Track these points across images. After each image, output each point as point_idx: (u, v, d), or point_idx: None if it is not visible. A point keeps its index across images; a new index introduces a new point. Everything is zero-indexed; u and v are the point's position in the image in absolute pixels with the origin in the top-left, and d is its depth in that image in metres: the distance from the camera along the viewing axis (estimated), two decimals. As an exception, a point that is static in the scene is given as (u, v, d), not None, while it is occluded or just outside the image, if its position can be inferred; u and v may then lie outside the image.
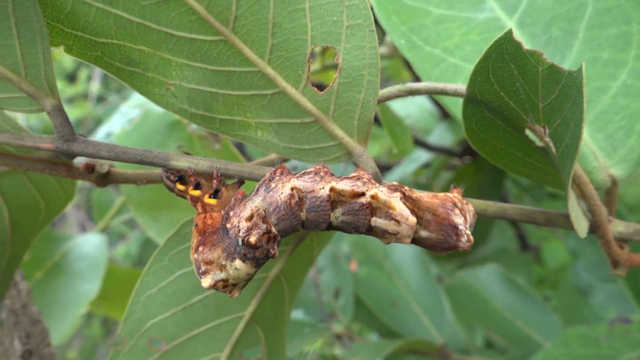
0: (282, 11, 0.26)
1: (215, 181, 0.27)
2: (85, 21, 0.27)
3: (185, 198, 0.29)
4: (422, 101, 0.87)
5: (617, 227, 0.34)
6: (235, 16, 0.26)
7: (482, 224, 0.87)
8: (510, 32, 0.28)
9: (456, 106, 0.39)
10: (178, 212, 0.55)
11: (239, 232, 0.24)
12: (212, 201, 0.27)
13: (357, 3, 0.26)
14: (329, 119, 0.29)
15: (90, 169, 0.31)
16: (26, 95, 0.28)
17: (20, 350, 0.41)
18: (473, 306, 0.70)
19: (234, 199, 0.25)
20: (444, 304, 0.67)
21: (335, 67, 0.28)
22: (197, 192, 0.28)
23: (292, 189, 0.25)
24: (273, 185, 0.25)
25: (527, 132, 0.32)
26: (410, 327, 0.67)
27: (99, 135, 0.66)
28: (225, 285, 0.24)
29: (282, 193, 0.25)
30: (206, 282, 0.24)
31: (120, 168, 0.34)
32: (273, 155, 0.33)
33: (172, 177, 0.29)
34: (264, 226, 0.24)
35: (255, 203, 0.24)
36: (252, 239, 0.23)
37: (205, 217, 0.26)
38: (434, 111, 0.88)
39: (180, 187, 0.29)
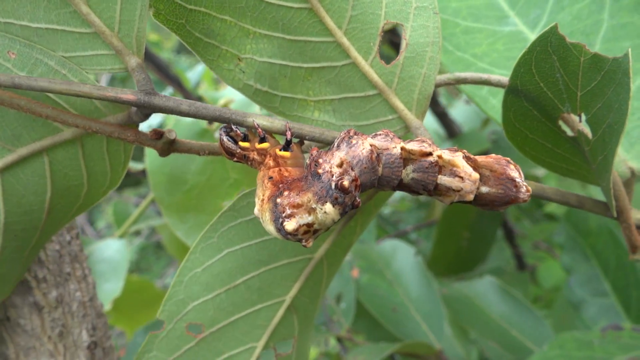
0: (363, -15, 0.28)
1: (288, 132, 0.29)
2: None
3: (245, 159, 0.30)
4: (429, 120, 0.91)
5: (636, 214, 0.37)
6: None
7: (482, 244, 0.90)
8: (555, 27, 0.31)
9: (487, 104, 0.43)
10: (204, 215, 0.57)
11: (332, 177, 0.25)
12: (286, 153, 0.28)
13: (425, -13, 0.29)
14: (391, 92, 0.31)
15: (158, 135, 0.32)
16: (113, 52, 0.29)
17: (87, 341, 0.42)
18: (470, 316, 0.72)
19: (316, 150, 0.27)
20: (442, 311, 0.69)
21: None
22: (265, 145, 0.29)
23: (371, 145, 0.27)
24: (354, 141, 0.27)
25: (560, 123, 0.35)
26: (410, 332, 0.68)
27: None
28: (306, 231, 0.26)
29: (364, 148, 0.27)
30: (290, 225, 0.25)
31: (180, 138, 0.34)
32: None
33: (238, 134, 0.30)
34: (352, 173, 0.26)
35: (342, 154, 0.26)
36: (345, 183, 0.25)
37: (280, 170, 0.28)
38: (440, 131, 0.92)
39: (244, 144, 0.29)
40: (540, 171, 0.78)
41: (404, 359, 0.77)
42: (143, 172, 0.78)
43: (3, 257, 0.34)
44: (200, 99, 0.92)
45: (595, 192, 0.77)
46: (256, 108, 0.62)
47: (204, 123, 0.68)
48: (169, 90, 1.08)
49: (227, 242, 0.34)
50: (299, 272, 0.36)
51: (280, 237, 0.26)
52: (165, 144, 0.32)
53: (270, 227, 0.26)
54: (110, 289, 0.66)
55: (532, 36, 0.45)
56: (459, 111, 0.99)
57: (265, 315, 0.36)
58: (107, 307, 0.62)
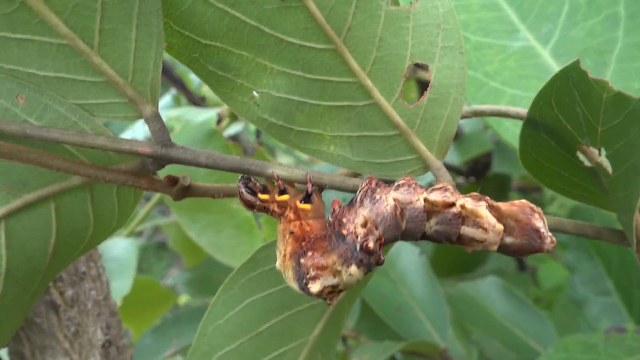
0: (389, 27, 0.28)
1: (309, 185, 0.28)
2: (198, 21, 0.28)
3: (266, 210, 0.29)
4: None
5: (651, 242, 0.37)
6: (349, 27, 0.28)
7: None
8: (577, 62, 0.30)
9: (500, 126, 0.42)
10: (215, 214, 0.57)
11: (357, 238, 0.25)
12: (307, 206, 0.28)
13: (451, 27, 0.29)
14: (413, 133, 0.30)
15: (173, 181, 0.31)
16: (126, 101, 0.28)
17: (102, 340, 0.43)
18: (473, 315, 0.73)
19: (339, 207, 0.27)
20: (446, 311, 0.70)
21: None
22: (285, 197, 0.28)
23: (394, 200, 0.26)
24: (377, 196, 0.26)
25: (578, 154, 0.35)
26: (414, 331, 0.69)
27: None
28: (330, 292, 0.25)
29: (388, 205, 0.26)
30: (315, 287, 0.25)
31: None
32: (344, 170, 0.34)
33: (257, 186, 0.29)
34: (377, 232, 0.25)
35: (366, 212, 0.26)
36: (371, 245, 0.25)
37: (302, 224, 0.27)
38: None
39: (263, 196, 0.29)
40: None
41: (406, 358, 0.78)
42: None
43: (3, 303, 0.33)
44: (203, 99, 0.91)
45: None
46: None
47: (212, 123, 0.67)
48: (172, 92, 1.07)
49: (247, 293, 0.34)
50: (320, 313, 0.36)
51: (304, 294, 0.26)
52: (180, 190, 0.32)
53: (293, 285, 0.26)
54: (119, 287, 0.67)
55: (544, 52, 0.45)
56: None
57: (290, 357, 0.36)
58: (118, 304, 0.63)
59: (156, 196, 0.78)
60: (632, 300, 0.65)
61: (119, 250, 0.69)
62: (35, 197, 0.30)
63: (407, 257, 0.75)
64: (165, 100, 1.06)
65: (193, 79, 1.05)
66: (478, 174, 0.89)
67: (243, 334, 0.34)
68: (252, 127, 1.02)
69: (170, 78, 0.93)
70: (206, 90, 0.80)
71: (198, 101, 0.92)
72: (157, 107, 0.29)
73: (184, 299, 1.30)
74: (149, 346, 0.77)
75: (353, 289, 0.38)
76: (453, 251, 0.89)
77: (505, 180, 0.85)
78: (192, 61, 0.29)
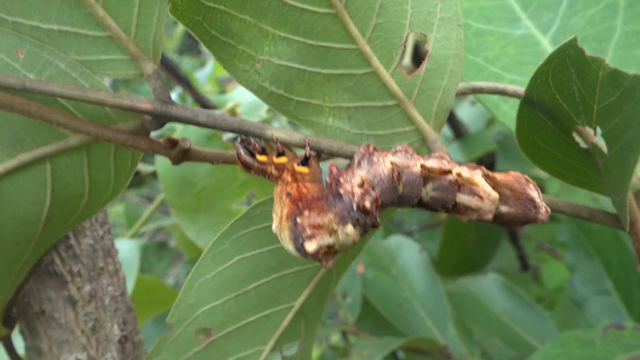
0: (389, -7, 0.28)
1: (307, 148, 0.29)
2: None
3: (262, 172, 0.30)
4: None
5: (646, 225, 0.37)
6: None
7: (488, 245, 0.91)
8: (574, 39, 0.31)
9: (498, 109, 0.43)
10: (215, 216, 0.57)
11: (354, 197, 0.25)
12: (304, 169, 0.28)
13: (450, -1, 0.29)
14: (410, 103, 0.31)
15: (173, 143, 0.31)
16: (128, 58, 0.29)
17: (119, 335, 0.43)
18: (473, 312, 0.73)
19: (336, 168, 0.27)
20: (447, 307, 0.70)
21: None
22: (283, 159, 0.29)
23: (392, 163, 0.27)
24: (375, 159, 0.27)
25: (574, 134, 0.35)
26: (415, 327, 0.69)
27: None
28: (326, 252, 0.26)
29: (385, 167, 0.26)
30: (311, 246, 0.25)
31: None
32: (342, 143, 0.35)
33: (256, 147, 0.29)
34: (373, 193, 0.26)
35: (363, 173, 0.26)
36: (367, 204, 0.25)
37: (299, 186, 0.28)
38: (447, 132, 0.92)
39: (261, 158, 0.29)
40: (544, 172, 0.78)
41: (407, 354, 0.78)
42: (154, 174, 0.78)
43: None
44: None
45: (601, 198, 0.77)
46: (263, 111, 0.62)
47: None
48: (178, 90, 1.08)
49: (238, 249, 0.34)
50: (308, 280, 0.36)
51: (299, 256, 0.26)
52: (179, 153, 0.32)
53: (289, 246, 0.26)
54: None
55: (544, 40, 0.45)
56: (464, 112, 0.99)
57: (274, 320, 0.37)
58: None
59: (160, 197, 0.79)
60: (632, 300, 0.65)
61: (122, 251, 0.69)
62: (32, 157, 0.30)
63: (408, 253, 0.75)
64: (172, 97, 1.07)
65: (198, 78, 1.06)
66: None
67: (229, 291, 0.34)
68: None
69: (176, 76, 0.94)
70: (208, 93, 0.81)
71: (203, 100, 0.93)
72: (159, 65, 0.29)
73: None
74: (151, 335, 0.77)
75: (343, 262, 0.38)
76: (457, 251, 0.89)
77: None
78: (196, 24, 0.29)
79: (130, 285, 0.65)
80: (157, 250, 1.79)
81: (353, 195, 0.25)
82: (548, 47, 0.45)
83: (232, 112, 0.70)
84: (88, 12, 0.28)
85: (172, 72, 0.94)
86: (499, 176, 0.28)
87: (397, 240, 0.76)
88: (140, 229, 0.85)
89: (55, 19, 0.28)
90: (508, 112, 0.42)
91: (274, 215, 0.28)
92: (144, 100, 0.28)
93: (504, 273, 0.91)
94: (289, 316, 0.37)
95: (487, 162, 0.90)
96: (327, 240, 0.25)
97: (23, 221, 0.32)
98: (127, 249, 0.71)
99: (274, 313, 0.36)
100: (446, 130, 0.92)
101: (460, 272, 0.88)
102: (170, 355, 0.35)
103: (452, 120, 0.91)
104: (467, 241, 0.89)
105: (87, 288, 0.42)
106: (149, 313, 0.86)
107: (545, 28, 0.46)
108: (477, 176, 0.27)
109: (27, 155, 0.31)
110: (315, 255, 0.26)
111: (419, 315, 0.70)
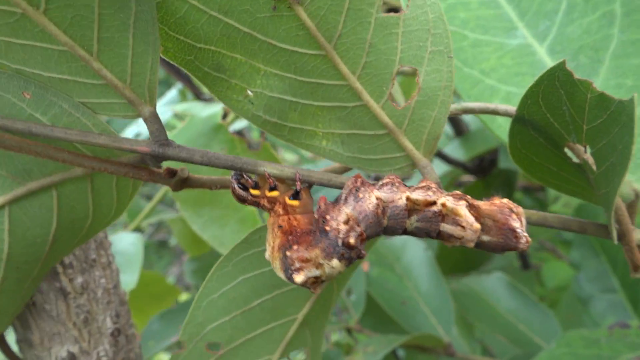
0: (379, 33, 0.29)
1: (297, 183, 0.30)
2: (193, 27, 0.29)
3: (257, 205, 0.31)
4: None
5: (637, 235, 0.37)
6: (339, 34, 0.29)
7: None
8: (563, 63, 0.31)
9: (493, 123, 0.43)
10: (219, 209, 0.58)
11: (339, 234, 0.27)
12: (295, 202, 0.29)
13: (441, 32, 0.30)
14: (401, 132, 0.32)
15: (172, 173, 0.33)
16: (126, 102, 0.30)
17: (111, 328, 0.43)
18: (478, 310, 0.74)
19: (324, 204, 0.28)
20: (451, 306, 0.71)
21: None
22: (275, 193, 0.30)
23: (377, 199, 0.28)
24: (361, 195, 0.28)
25: (566, 150, 0.36)
26: (419, 325, 0.70)
27: (127, 134, 0.69)
28: (314, 282, 0.27)
29: (370, 203, 0.28)
30: (299, 278, 0.27)
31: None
32: (337, 165, 0.36)
33: (249, 182, 0.31)
34: (358, 229, 0.27)
35: (349, 209, 0.27)
36: (352, 240, 0.26)
37: (289, 219, 0.29)
38: (448, 129, 0.92)
39: (254, 192, 0.30)
40: None
41: (408, 352, 0.79)
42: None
43: (3, 289, 0.35)
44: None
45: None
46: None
47: (218, 117, 0.68)
48: (178, 87, 1.08)
49: (241, 270, 0.36)
50: (309, 294, 0.38)
51: (291, 282, 0.28)
52: (178, 182, 0.33)
53: (280, 274, 0.28)
54: (125, 282, 0.67)
55: (541, 50, 0.45)
56: None
57: (280, 332, 0.38)
58: None
59: (161, 191, 0.80)
60: (638, 298, 0.65)
61: (125, 244, 0.70)
62: (39, 185, 0.32)
63: (413, 252, 0.76)
64: (171, 94, 1.08)
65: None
66: (484, 171, 0.89)
67: (236, 308, 0.35)
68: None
69: (177, 73, 0.95)
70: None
71: (203, 96, 0.94)
72: (155, 108, 0.30)
73: (184, 296, 1.32)
74: (156, 332, 0.79)
75: (342, 276, 0.39)
76: (457, 250, 0.90)
77: (511, 177, 0.85)
78: (188, 63, 0.31)
79: (134, 279, 0.66)
80: (157, 249, 1.81)
81: (338, 232, 0.27)
82: (545, 57, 0.45)
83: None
84: (84, 64, 0.29)
85: (172, 69, 0.95)
86: (483, 206, 0.29)
87: (401, 239, 0.76)
88: (142, 222, 0.85)
89: (54, 69, 0.29)
90: (503, 125, 0.42)
91: (267, 245, 0.30)
92: (142, 144, 0.30)
93: (506, 271, 0.91)
94: (294, 327, 0.38)
95: (489, 159, 0.90)
96: (314, 272, 0.27)
97: (31, 242, 0.34)
98: (130, 242, 0.71)
99: (279, 325, 0.38)
100: (447, 128, 0.92)
101: (460, 270, 0.88)
102: (184, 369, 0.37)
103: (453, 118, 0.90)
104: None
105: (79, 280, 0.41)
106: (149, 307, 0.88)
107: (542, 37, 0.46)
108: (461, 207, 0.28)
109: (35, 183, 0.33)
110: (304, 285, 0.27)
111: (424, 314, 0.71)
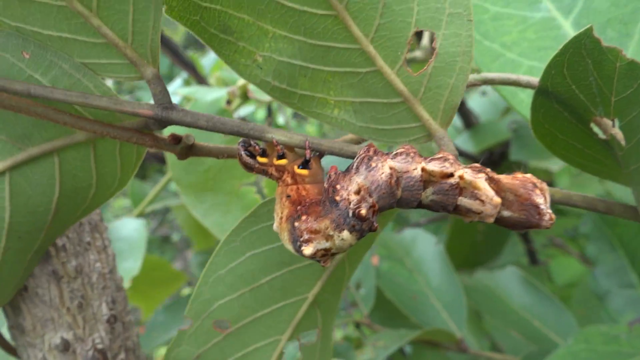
0: (394, -8, 0.27)
1: (307, 151, 0.28)
2: None
3: (264, 173, 0.29)
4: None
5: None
6: None
7: (498, 238, 0.89)
8: (590, 29, 0.29)
9: (515, 98, 0.41)
10: (222, 195, 0.56)
11: (350, 205, 0.25)
12: (304, 171, 0.28)
13: (461, -7, 0.28)
14: (417, 101, 0.30)
15: (177, 140, 0.31)
16: (128, 62, 0.29)
17: (107, 314, 0.41)
18: (491, 306, 0.72)
19: (334, 173, 0.26)
20: (464, 300, 0.69)
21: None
22: (283, 161, 0.28)
23: (390, 168, 0.26)
24: (373, 164, 0.26)
25: (592, 126, 0.34)
26: (429, 320, 0.68)
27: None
28: (324, 255, 0.26)
29: (383, 173, 0.26)
30: (308, 250, 0.25)
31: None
32: (349, 135, 0.34)
33: (257, 149, 0.29)
34: (370, 200, 0.25)
35: (360, 179, 0.26)
36: (363, 211, 0.25)
37: (298, 189, 0.27)
38: (457, 121, 0.90)
39: (262, 159, 0.29)
40: (555, 166, 0.76)
41: (415, 349, 0.77)
42: (159, 170, 0.78)
43: (5, 259, 0.34)
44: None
45: (615, 188, 0.74)
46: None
47: (223, 102, 0.67)
48: (183, 76, 1.07)
49: (249, 246, 0.34)
50: (321, 272, 0.36)
51: (299, 255, 0.26)
52: (184, 149, 0.32)
53: (289, 246, 0.26)
54: (128, 268, 0.66)
55: (566, 23, 0.43)
56: (474, 103, 0.96)
57: (289, 312, 0.37)
58: (126, 285, 0.62)
59: (167, 176, 0.79)
60: (658, 294, 0.62)
61: (129, 230, 0.68)
62: (40, 151, 0.31)
63: (424, 246, 0.74)
64: (176, 83, 1.07)
65: (204, 65, 1.06)
66: (494, 164, 0.87)
67: (244, 285, 0.34)
68: (263, 108, 1.02)
69: (182, 61, 0.94)
70: (213, 82, 0.80)
71: (208, 85, 0.93)
72: (158, 69, 0.29)
73: (187, 291, 1.31)
74: (162, 322, 0.78)
75: (355, 254, 0.38)
76: (466, 244, 0.88)
77: (521, 170, 0.83)
78: (193, 24, 0.29)
79: (137, 264, 0.64)
80: (160, 244, 1.80)
81: (349, 202, 0.25)
82: (570, 31, 0.43)
83: (244, 89, 0.68)
84: (84, 20, 0.27)
85: (177, 57, 0.93)
86: (504, 179, 0.27)
87: (412, 233, 0.74)
88: (146, 207, 0.84)
89: (53, 26, 0.28)
90: (525, 101, 0.40)
91: (275, 215, 0.28)
92: (145, 106, 0.28)
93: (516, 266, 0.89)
94: (304, 307, 0.37)
95: (499, 152, 0.88)
96: (324, 244, 0.25)
97: (33, 211, 0.33)
98: (133, 227, 0.69)
99: (289, 305, 0.37)
100: (456, 120, 0.90)
101: (468, 265, 0.86)
102: (190, 346, 0.36)
103: (462, 110, 0.88)
104: (475, 235, 0.87)
105: (73, 263, 0.39)
106: (154, 292, 0.87)
107: (567, 10, 0.44)
108: (480, 180, 0.26)
109: (36, 149, 0.31)
110: (312, 257, 0.26)
111: (435, 308, 0.69)
